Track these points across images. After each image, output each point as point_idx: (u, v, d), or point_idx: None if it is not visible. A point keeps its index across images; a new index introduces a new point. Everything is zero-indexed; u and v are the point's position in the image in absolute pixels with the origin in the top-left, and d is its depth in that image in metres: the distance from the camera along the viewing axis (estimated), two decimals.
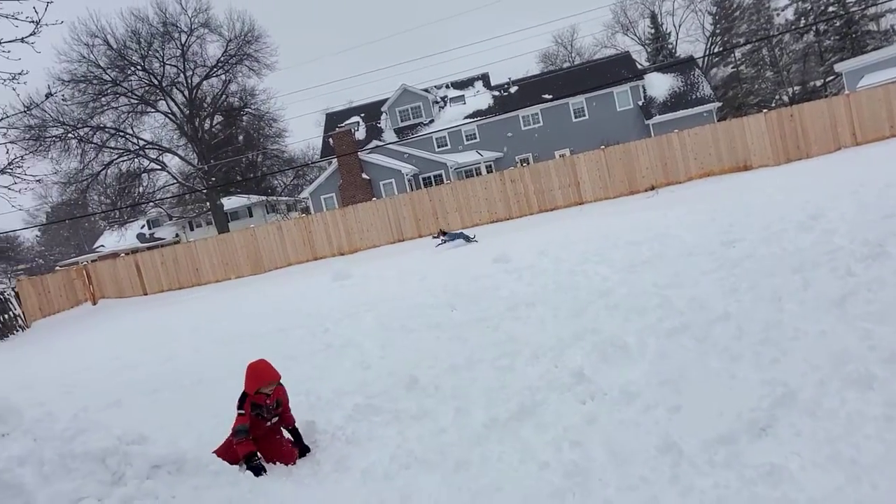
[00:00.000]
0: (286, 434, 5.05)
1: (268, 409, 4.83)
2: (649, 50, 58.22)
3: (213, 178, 44.18)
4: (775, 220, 10.21)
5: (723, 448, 3.55)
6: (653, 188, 21.01)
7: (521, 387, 5.29)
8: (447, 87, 43.85)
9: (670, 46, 57.45)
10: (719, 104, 39.86)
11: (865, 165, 15.27)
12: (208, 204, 45.00)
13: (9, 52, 6.03)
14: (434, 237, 15.57)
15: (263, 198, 52.10)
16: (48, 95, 8.39)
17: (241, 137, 49.17)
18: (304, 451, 4.93)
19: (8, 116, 7.18)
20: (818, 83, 49.25)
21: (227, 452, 4.69)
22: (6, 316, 19.33)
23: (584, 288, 8.64)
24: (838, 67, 37.41)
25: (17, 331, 19.50)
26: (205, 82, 44.91)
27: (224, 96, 46.44)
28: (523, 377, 5.56)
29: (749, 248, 8.59)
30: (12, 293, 20.51)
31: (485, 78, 43.52)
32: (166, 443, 4.08)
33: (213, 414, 6.63)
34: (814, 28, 48.41)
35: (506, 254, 12.84)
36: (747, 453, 3.46)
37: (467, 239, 15.60)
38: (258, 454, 4.64)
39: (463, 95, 42.23)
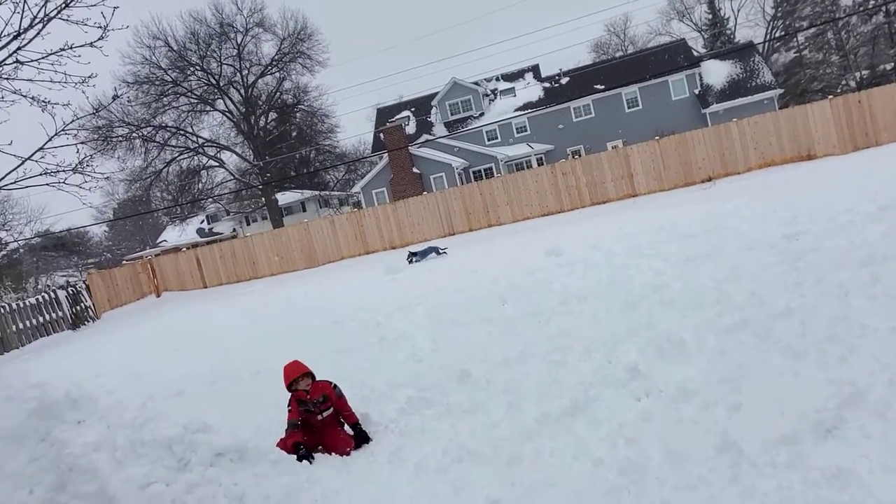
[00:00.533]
0: (348, 429, 5.21)
1: (314, 404, 5.07)
2: (706, 36, 56.40)
3: (268, 174, 45.28)
4: (842, 211, 9.76)
5: (786, 449, 3.43)
6: (710, 179, 20.40)
7: (573, 382, 5.25)
8: (497, 79, 43.61)
9: (728, 32, 55.50)
10: (781, 91, 38.33)
11: None
12: (263, 199, 46.16)
13: (79, 56, 6.34)
14: (407, 258, 15.89)
15: (316, 193, 53.09)
16: (115, 97, 8.76)
17: (294, 134, 50.19)
18: (363, 439, 5.06)
19: (79, 118, 7.53)
20: (888, 66, 46.65)
21: (286, 446, 4.89)
22: (78, 307, 20.37)
23: (637, 282, 8.48)
24: None
25: (89, 321, 20.52)
26: (260, 80, 46.02)
27: (278, 94, 47.48)
28: (576, 372, 5.51)
29: (813, 241, 8.24)
30: (83, 286, 21.59)
31: (535, 69, 43.07)
32: (228, 432, 4.23)
33: (271, 405, 6.81)
34: (884, 8, 45.83)
35: (558, 247, 12.72)
36: (812, 455, 3.33)
37: (437, 251, 15.89)
38: (302, 445, 4.83)
39: (513, 88, 41.92)
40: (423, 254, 15.54)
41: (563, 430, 4.39)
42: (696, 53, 44.83)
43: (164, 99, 42.35)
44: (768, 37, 52.29)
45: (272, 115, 48.83)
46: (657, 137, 21.81)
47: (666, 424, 4.08)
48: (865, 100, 19.74)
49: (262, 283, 22.50)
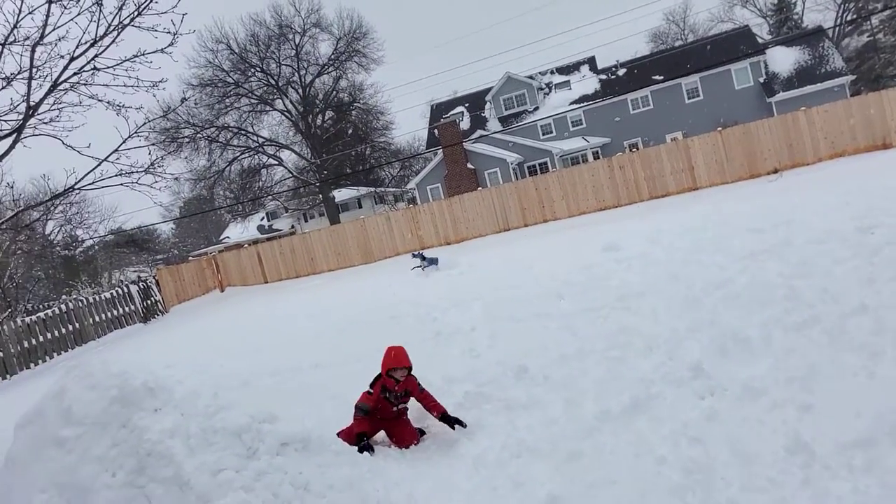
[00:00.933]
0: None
1: (396, 395, 5.09)
2: (772, 22, 54.11)
3: (325, 172, 46.18)
4: None
5: (861, 452, 3.29)
6: (776, 171, 19.58)
7: (634, 379, 5.17)
8: (552, 72, 43.08)
9: (796, 17, 53.09)
10: (853, 77, 36.44)
11: None
12: (321, 196, 47.13)
13: (151, 62, 6.64)
14: (414, 256, 14.64)
15: (371, 189, 53.83)
16: (183, 100, 9.14)
17: (350, 131, 50.99)
18: (457, 423, 5.04)
19: (150, 121, 7.89)
20: None
21: (350, 435, 4.97)
22: (149, 301, 21.33)
23: (699, 278, 8.24)
24: None
25: (158, 315, 21.46)
26: (317, 80, 46.92)
27: (335, 92, 48.31)
28: (636, 369, 5.42)
29: (890, 235, 7.82)
30: (153, 281, 22.59)
31: (591, 62, 42.32)
32: (292, 422, 4.36)
33: (331, 396, 6.99)
34: None
35: (615, 242, 12.49)
36: (890, 458, 3.18)
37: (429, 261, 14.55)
38: (366, 436, 4.90)
39: (568, 81, 41.33)
40: (430, 261, 14.54)
41: (623, 427, 4.33)
42: (760, 40, 43.04)
43: (227, 100, 43.74)
44: (839, 21, 49.73)
45: (329, 114, 49.75)
46: (719, 128, 21.10)
47: (732, 424, 3.98)
48: None
49: (320, 278, 22.98)
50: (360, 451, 4.69)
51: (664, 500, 3.33)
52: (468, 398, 5.71)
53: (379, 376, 5.17)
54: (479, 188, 25.98)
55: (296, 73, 45.41)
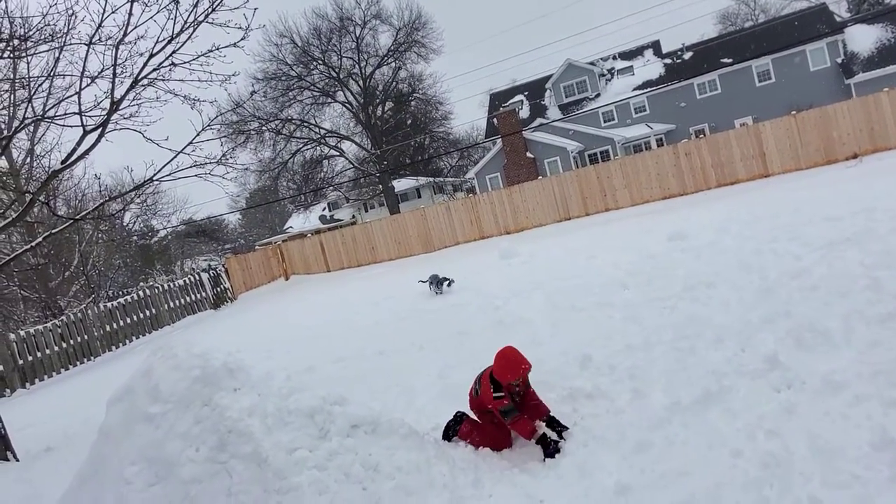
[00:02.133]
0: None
1: (517, 394, 4.69)
2: None
3: (385, 162, 46.72)
4: None
5: None
6: (856, 156, 18.55)
7: (704, 371, 5.04)
8: (614, 58, 42.09)
9: None
10: None
11: None
12: (381, 186, 47.73)
13: (224, 56, 6.89)
14: (428, 282, 13.00)
15: (431, 179, 54.12)
16: (252, 94, 9.42)
17: (409, 122, 51.36)
18: (559, 427, 4.66)
19: (222, 114, 8.17)
20: None
21: (482, 434, 4.75)
22: (219, 289, 22.21)
23: (773, 267, 7.94)
24: None
25: (228, 301, 22.32)
26: (377, 71, 47.44)
27: (394, 83, 48.73)
28: (706, 361, 5.28)
29: None
30: (223, 269, 23.49)
31: (655, 46, 41.10)
32: (361, 405, 4.47)
33: (395, 383, 7.13)
34: None
35: (681, 231, 12.16)
36: None
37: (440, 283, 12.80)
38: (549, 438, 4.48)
39: (631, 66, 40.28)
40: (439, 282, 12.84)
41: (695, 418, 4.24)
42: (839, 18, 40.75)
43: (290, 93, 44.78)
44: None
45: (388, 105, 50.24)
46: (793, 112, 20.14)
47: (811, 418, 3.83)
48: None
49: (382, 267, 23.34)
50: (551, 454, 4.36)
51: (740, 492, 3.25)
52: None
53: (492, 378, 4.65)
54: (539, 177, 25.72)
55: (356, 65, 46.03)
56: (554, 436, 4.54)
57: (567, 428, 4.63)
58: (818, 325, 5.21)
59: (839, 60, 34.12)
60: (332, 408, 4.12)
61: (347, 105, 46.87)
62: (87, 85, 7.35)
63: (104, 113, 7.27)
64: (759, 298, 6.74)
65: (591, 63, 41.03)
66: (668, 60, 39.37)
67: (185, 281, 21.34)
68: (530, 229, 22.38)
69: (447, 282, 12.75)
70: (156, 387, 3.82)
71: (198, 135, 8.19)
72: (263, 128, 43.13)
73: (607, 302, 8.44)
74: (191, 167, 8.34)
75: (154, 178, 7.94)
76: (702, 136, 25.25)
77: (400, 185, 52.88)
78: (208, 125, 8.19)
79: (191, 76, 7.21)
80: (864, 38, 34.39)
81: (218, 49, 6.90)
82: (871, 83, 30.99)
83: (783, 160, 19.76)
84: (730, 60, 35.87)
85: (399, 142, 48.34)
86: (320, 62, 45.03)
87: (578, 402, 5.20)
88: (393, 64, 47.26)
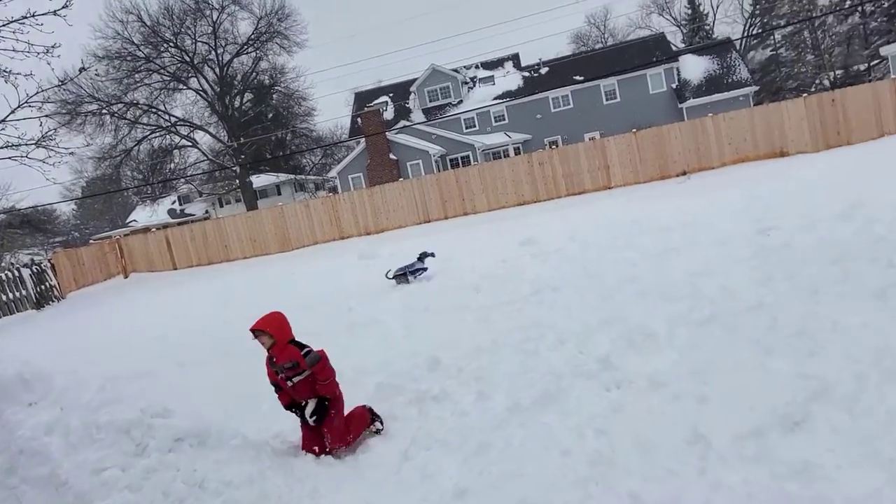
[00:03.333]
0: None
1: (280, 368, 4.42)
2: (685, 31, 56.76)
3: (243, 156, 44.56)
4: (814, 208, 9.90)
5: (753, 442, 3.43)
6: (685, 173, 20.55)
7: (545, 372, 5.22)
8: (476, 67, 43.37)
9: (707, 28, 55.93)
10: (756, 88, 38.76)
11: None
12: (237, 181, 45.44)
13: (41, 24, 6.06)
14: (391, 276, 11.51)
15: (292, 176, 52.42)
16: (82, 69, 8.47)
17: (270, 115, 49.42)
18: (321, 412, 4.49)
19: (43, 90, 7.24)
20: (862, 67, 47.45)
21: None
22: (43, 286, 19.84)
23: (611, 274, 8.49)
24: (884, 51, 35.87)
25: (53, 301, 20.01)
26: (235, 60, 45.13)
27: (254, 74, 46.64)
28: (548, 362, 5.48)
29: (786, 237, 8.33)
30: (48, 265, 21.03)
31: (515, 58, 42.92)
32: (190, 416, 4.10)
33: (238, 388, 6.70)
34: (860, 9, 46.56)
35: (533, 237, 12.72)
36: (779, 449, 3.33)
37: (416, 270, 11.50)
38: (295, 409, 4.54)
39: (493, 76, 41.73)
40: (413, 270, 11.55)
41: (533, 420, 4.35)
42: (674, 48, 45.03)
43: (136, 75, 41.32)
44: (746, 34, 52.79)
45: (248, 96, 48.01)
46: (634, 130, 21.91)
47: (636, 416, 4.07)
48: (839, 99, 20.04)
49: (235, 265, 22.17)
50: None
51: (568, 491, 3.36)
52: (380, 390, 5.60)
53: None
54: (401, 179, 25.80)
55: (212, 52, 43.52)
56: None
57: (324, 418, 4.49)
58: (647, 328, 5.60)
59: (674, 86, 37.69)
60: (153, 420, 3.72)
61: (202, 93, 44.15)
62: None
63: None
64: (598, 302, 7.16)
65: (455, 70, 41.97)
66: (526, 73, 41.26)
67: (1, 277, 18.84)
68: (391, 230, 22.37)
69: (420, 271, 11.44)
70: None
71: (12, 112, 7.22)
72: (103, 111, 39.36)
73: (461, 304, 8.57)
74: (3, 148, 7.32)
75: None
76: (555, 147, 26.65)
77: (259, 180, 50.68)
78: (25, 102, 7.23)
79: (1, 44, 6.30)
80: (694, 68, 38.30)
81: (34, 16, 6.07)
82: (700, 108, 34.58)
83: (624, 173, 21.38)
84: (581, 78, 38.31)
85: (258, 135, 46.30)
86: (172, 44, 42.00)
87: (425, 405, 5.18)
88: (253, 54, 45.24)
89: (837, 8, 46.86)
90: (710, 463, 3.34)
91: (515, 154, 35.16)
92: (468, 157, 35.33)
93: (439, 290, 9.86)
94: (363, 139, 34.20)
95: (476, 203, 22.16)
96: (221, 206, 54.37)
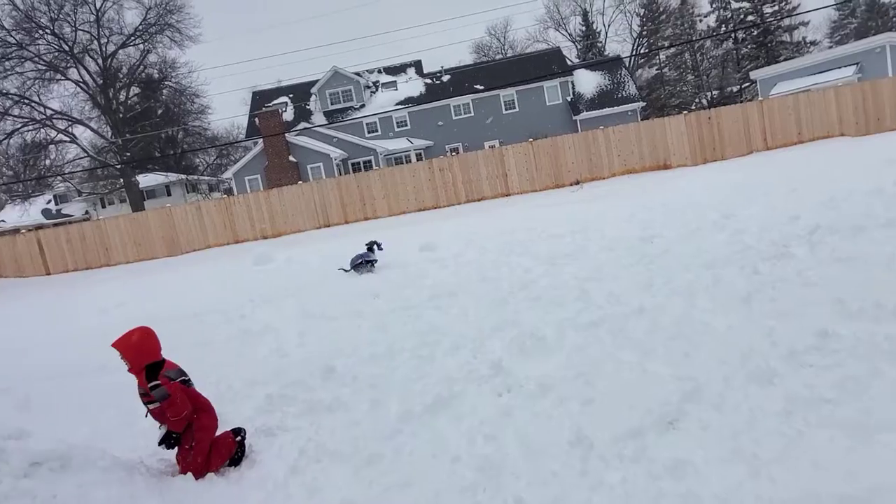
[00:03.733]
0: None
1: (142, 392, 4.16)
2: (579, 47, 59.38)
3: (128, 154, 41.82)
4: (692, 218, 10.60)
5: (632, 442, 3.57)
6: (578, 182, 21.46)
7: (439, 377, 5.22)
8: (379, 71, 43.21)
9: (599, 45, 58.83)
10: (643, 104, 41.16)
11: (775, 169, 16.13)
12: (122, 180, 42.56)
13: None
14: (346, 269, 11.43)
15: (183, 176, 49.78)
16: None
17: (160, 112, 46.72)
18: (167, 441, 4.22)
19: None
20: (735, 89, 51.76)
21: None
22: None
23: (506, 279, 8.68)
24: (754, 75, 39.42)
25: None
26: (121, 51, 42.30)
27: (142, 67, 43.93)
28: (442, 368, 5.49)
29: (666, 244, 8.85)
30: None
31: (417, 65, 43.17)
32: (51, 437, 3.74)
33: (116, 402, 6.23)
34: (733, 35, 50.78)
35: (432, 243, 12.79)
36: (655, 448, 3.49)
37: (367, 260, 11.33)
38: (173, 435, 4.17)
39: (395, 81, 41.74)
40: (367, 260, 11.29)
41: (424, 427, 4.33)
42: (569, 62, 47.01)
43: (6, 62, 37.76)
44: (634, 52, 56.05)
45: (134, 90, 45.14)
46: (531, 140, 22.62)
47: (524, 420, 4.15)
48: (715, 117, 21.67)
49: (116, 270, 20.71)
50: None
51: (456, 499, 3.35)
52: (270, 401, 5.40)
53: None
54: (301, 182, 25.19)
55: (95, 41, 40.57)
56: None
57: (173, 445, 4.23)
58: (538, 332, 5.74)
59: (569, 98, 39.30)
60: (6, 443, 3.37)
61: (82, 85, 41.03)
62: None
63: None
64: (492, 307, 7.28)
65: (357, 73, 41.60)
66: (428, 80, 41.58)
67: None
68: (289, 234, 21.79)
69: (371, 262, 11.09)
70: None
71: None
72: None
73: (358, 310, 8.46)
74: None
75: None
76: (455, 154, 27.03)
77: (146, 180, 47.74)
78: None
79: None
80: (588, 82, 40.14)
81: None
82: (593, 121, 36.28)
83: (521, 181, 22.02)
84: (482, 87, 39.13)
85: (146, 132, 43.63)
86: (48, 31, 38.78)
87: (318, 416, 5.04)
88: (141, 46, 42.61)
89: (714, 33, 50.82)
90: (591, 464, 3.44)
91: (417, 160, 35.31)
92: (370, 161, 35.07)
93: (337, 296, 9.68)
94: (261, 140, 33.09)
95: (377, 208, 22.02)
96: (104, 206, 50.82)
